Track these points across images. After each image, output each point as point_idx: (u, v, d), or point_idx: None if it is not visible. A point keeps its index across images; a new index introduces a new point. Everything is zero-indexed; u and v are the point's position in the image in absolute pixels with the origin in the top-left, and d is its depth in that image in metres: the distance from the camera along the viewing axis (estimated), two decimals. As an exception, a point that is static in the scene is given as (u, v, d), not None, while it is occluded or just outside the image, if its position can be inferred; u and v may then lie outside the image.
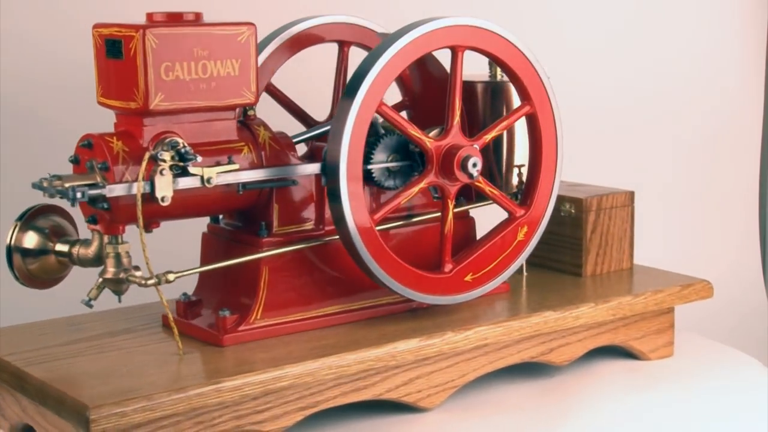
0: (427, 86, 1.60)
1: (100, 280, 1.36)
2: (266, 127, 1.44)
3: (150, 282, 1.33)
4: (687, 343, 1.72)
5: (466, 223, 1.58)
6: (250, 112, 1.44)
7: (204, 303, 1.48)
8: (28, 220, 1.38)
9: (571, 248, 1.70)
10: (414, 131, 1.43)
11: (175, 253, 1.55)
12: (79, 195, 1.28)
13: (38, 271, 1.39)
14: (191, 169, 1.34)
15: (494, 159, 1.61)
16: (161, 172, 1.32)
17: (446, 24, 1.43)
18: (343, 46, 1.64)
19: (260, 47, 1.55)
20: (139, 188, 1.31)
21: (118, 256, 1.35)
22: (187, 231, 1.54)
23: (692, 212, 2.14)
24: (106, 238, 1.35)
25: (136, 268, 1.37)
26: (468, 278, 1.49)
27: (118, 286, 1.35)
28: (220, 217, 1.50)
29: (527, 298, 1.58)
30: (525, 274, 1.69)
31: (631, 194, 1.73)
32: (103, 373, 1.31)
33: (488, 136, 1.50)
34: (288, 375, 1.33)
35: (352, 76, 1.39)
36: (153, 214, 1.35)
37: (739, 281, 2.10)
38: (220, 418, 1.32)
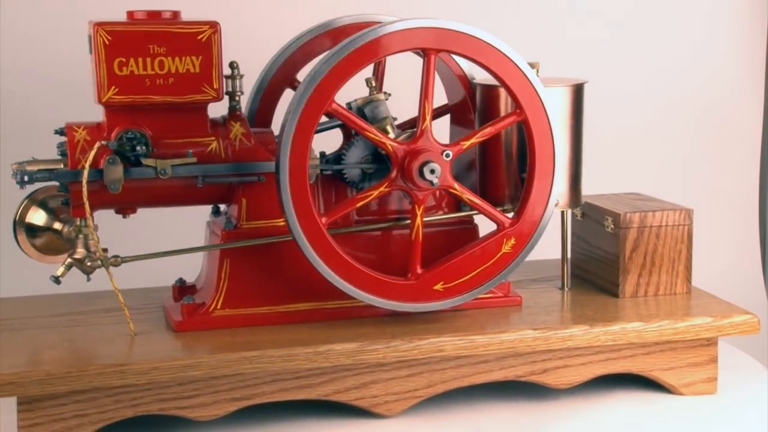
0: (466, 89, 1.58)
1: (68, 259, 1.45)
2: (244, 122, 1.47)
3: (91, 264, 1.41)
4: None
5: (467, 231, 1.53)
6: (238, 108, 1.48)
7: (195, 289, 1.54)
8: (37, 198, 1.51)
9: (610, 266, 1.60)
10: (373, 133, 1.41)
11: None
12: (26, 178, 1.39)
13: (44, 246, 1.51)
14: (145, 161, 1.41)
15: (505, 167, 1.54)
16: (110, 161, 1.39)
17: (412, 26, 1.40)
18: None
19: (299, 42, 1.59)
20: (85, 175, 1.39)
21: (84, 238, 1.44)
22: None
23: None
24: (78, 221, 1.45)
25: (105, 250, 1.45)
26: (438, 287, 1.45)
27: (81, 265, 1.45)
28: (221, 207, 1.56)
29: (527, 314, 1.51)
30: (566, 289, 1.61)
31: (688, 212, 1.59)
32: (47, 345, 1.41)
33: (466, 143, 1.44)
34: (202, 364, 1.36)
35: (306, 75, 1.40)
36: (108, 200, 1.42)
37: (739, 281, 2.05)
38: (142, 399, 1.37)
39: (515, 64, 1.42)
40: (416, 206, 1.43)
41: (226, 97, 1.47)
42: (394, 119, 1.55)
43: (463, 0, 2.03)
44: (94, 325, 1.49)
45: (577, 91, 1.56)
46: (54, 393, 1.33)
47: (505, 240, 1.46)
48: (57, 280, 1.45)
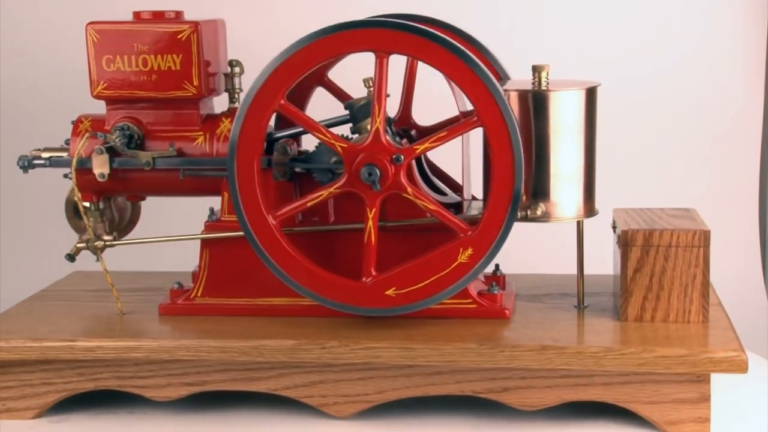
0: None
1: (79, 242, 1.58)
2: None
3: (79, 245, 1.53)
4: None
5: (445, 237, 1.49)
6: (234, 104, 1.54)
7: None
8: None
9: (618, 286, 1.49)
10: (322, 133, 1.42)
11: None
12: (26, 164, 1.53)
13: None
14: (130, 152, 1.51)
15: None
16: (97, 152, 1.50)
17: (362, 27, 1.39)
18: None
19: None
20: (73, 163, 1.51)
21: (91, 222, 1.57)
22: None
23: None
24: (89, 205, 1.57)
25: (111, 234, 1.57)
26: (390, 292, 1.42)
27: (85, 247, 1.56)
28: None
29: (496, 328, 1.44)
30: (582, 307, 1.52)
31: (704, 234, 1.44)
32: (39, 317, 1.55)
33: (420, 148, 1.41)
34: (143, 347, 1.44)
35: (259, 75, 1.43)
36: (100, 188, 1.53)
37: (739, 281, 2.01)
38: (102, 374, 1.48)
39: (469, 67, 1.37)
40: (368, 209, 1.41)
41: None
42: (393, 120, 1.53)
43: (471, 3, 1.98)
44: (108, 302, 1.58)
45: (590, 95, 1.47)
46: (21, 360, 1.46)
47: (461, 249, 1.40)
48: (71, 258, 1.57)
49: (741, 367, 1.34)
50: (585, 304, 1.52)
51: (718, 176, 2.15)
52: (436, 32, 1.37)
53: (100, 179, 1.51)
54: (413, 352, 1.39)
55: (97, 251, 1.54)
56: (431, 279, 1.41)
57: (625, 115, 2.12)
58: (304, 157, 1.49)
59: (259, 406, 1.49)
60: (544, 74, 1.46)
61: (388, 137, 1.42)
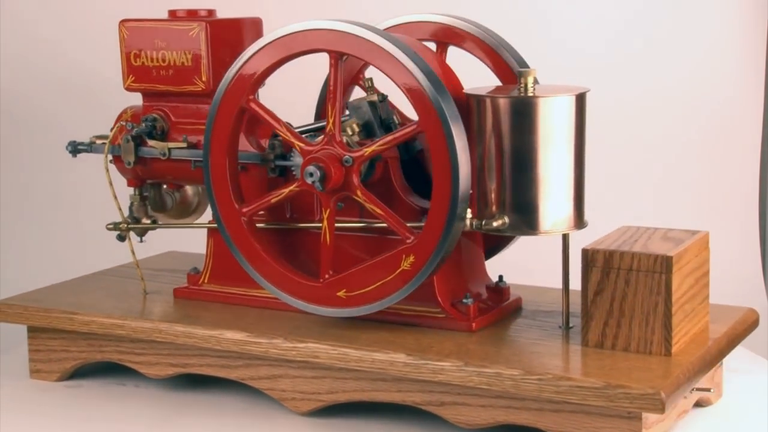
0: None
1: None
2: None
3: (109, 227, 1.65)
4: None
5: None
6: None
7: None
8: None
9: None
10: (283, 132, 1.45)
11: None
12: (70, 148, 1.68)
13: (175, 211, 1.74)
14: (150, 142, 1.61)
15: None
16: (125, 140, 1.62)
17: (313, 27, 1.40)
18: (439, 46, 1.60)
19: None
20: (105, 150, 1.64)
21: (130, 205, 1.69)
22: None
23: (692, 212, 2.12)
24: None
25: (152, 219, 1.68)
26: (341, 294, 1.43)
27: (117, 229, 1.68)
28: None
29: (444, 342, 1.41)
30: (565, 328, 1.46)
31: (666, 260, 1.33)
32: (71, 289, 1.69)
33: (368, 150, 1.41)
34: (126, 326, 1.54)
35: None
36: (136, 174, 1.64)
37: (739, 281, 2.01)
38: (106, 348, 1.60)
39: (409, 71, 1.34)
40: (323, 209, 1.43)
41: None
42: (389, 120, 1.53)
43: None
44: (129, 279, 1.70)
45: (580, 101, 1.40)
46: (44, 327, 1.61)
47: (404, 256, 1.38)
48: (121, 238, 1.69)
49: (657, 407, 1.23)
50: (571, 325, 1.44)
51: (718, 176, 2.16)
52: (382, 35, 1.35)
53: (126, 166, 1.61)
54: (347, 356, 1.39)
55: (126, 234, 1.64)
56: (377, 284, 1.40)
57: (625, 115, 2.13)
58: (287, 154, 1.51)
59: (238, 392, 1.53)
60: (530, 80, 1.40)
61: (349, 138, 1.42)
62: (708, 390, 1.39)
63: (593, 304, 1.36)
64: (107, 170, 1.62)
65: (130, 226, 1.63)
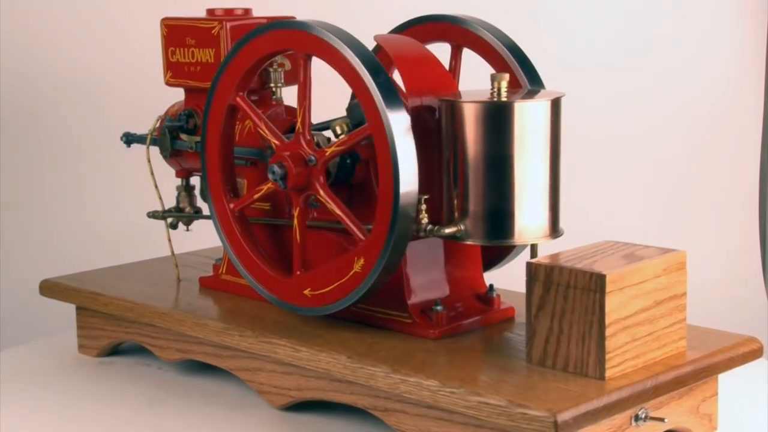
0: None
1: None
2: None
3: (149, 215, 1.74)
4: None
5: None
6: (273, 99, 1.65)
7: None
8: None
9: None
10: (262, 129, 1.48)
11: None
12: (124, 139, 1.78)
13: None
14: (182, 136, 1.69)
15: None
16: (163, 133, 1.71)
17: (281, 27, 1.43)
18: (453, 48, 1.59)
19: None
20: (147, 142, 1.73)
21: (177, 195, 1.77)
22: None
23: (692, 212, 2.14)
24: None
25: (197, 210, 1.75)
26: (307, 292, 1.45)
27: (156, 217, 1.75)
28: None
29: (394, 348, 1.40)
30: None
31: (599, 278, 1.26)
32: (117, 272, 1.79)
33: (328, 151, 1.42)
34: (136, 309, 1.62)
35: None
36: (179, 165, 1.72)
37: (739, 281, 2.05)
38: (130, 329, 1.68)
39: (359, 73, 1.35)
40: (293, 207, 1.45)
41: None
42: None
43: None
44: (198, 268, 1.77)
45: (555, 107, 1.36)
46: (85, 306, 1.72)
47: (355, 258, 1.39)
48: (173, 226, 1.78)
49: (549, 429, 1.17)
50: (538, 340, 1.39)
51: (718, 176, 2.15)
52: (338, 35, 1.36)
53: (162, 157, 1.69)
54: (299, 353, 1.41)
55: (166, 222, 1.72)
56: (335, 285, 1.41)
57: (625, 115, 2.14)
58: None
59: (237, 381, 1.58)
60: (503, 84, 1.37)
61: (320, 138, 1.43)
62: (661, 420, 1.30)
63: (536, 320, 1.31)
64: (149, 161, 1.70)
65: (165, 214, 1.70)
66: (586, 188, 2.14)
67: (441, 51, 1.54)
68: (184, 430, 1.43)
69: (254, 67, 1.46)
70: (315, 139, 1.44)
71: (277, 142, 1.44)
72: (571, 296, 1.27)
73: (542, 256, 1.33)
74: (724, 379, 1.38)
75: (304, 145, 1.41)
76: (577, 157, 2.08)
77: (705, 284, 1.54)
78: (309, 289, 1.43)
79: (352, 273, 1.38)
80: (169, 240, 1.72)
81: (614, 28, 2.22)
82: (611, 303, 1.25)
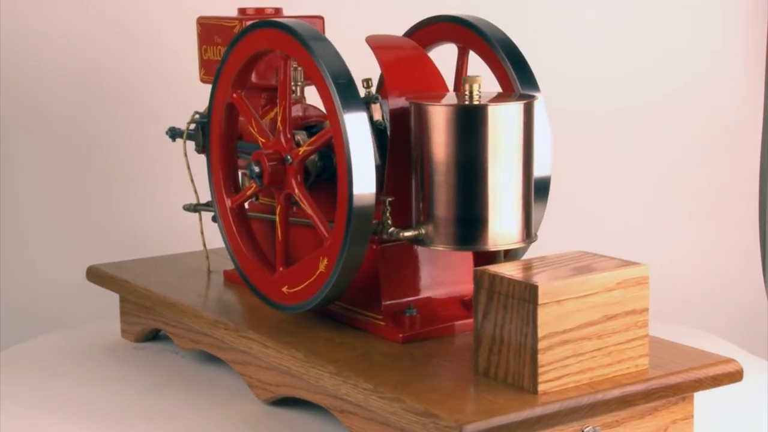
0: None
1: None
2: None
3: (184, 207, 1.80)
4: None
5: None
6: (295, 97, 1.68)
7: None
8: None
9: (482, 331, 1.34)
10: (253, 128, 1.51)
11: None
12: (169, 134, 1.84)
13: None
14: (211, 131, 1.74)
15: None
16: (197, 128, 1.76)
17: (262, 27, 1.45)
18: (460, 50, 1.58)
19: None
20: (184, 136, 1.79)
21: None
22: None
23: (692, 212, 2.15)
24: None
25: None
26: (284, 290, 1.47)
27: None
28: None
29: (356, 350, 1.40)
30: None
31: (532, 288, 1.23)
32: (156, 263, 1.85)
33: (301, 150, 1.43)
34: (151, 296, 1.68)
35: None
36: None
37: (739, 281, 2.05)
38: (156, 318, 1.74)
39: (322, 75, 1.36)
40: (276, 204, 1.48)
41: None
42: (380, 123, 1.53)
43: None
44: (226, 260, 1.81)
45: (528, 109, 1.34)
46: (124, 296, 1.79)
47: (320, 258, 1.40)
48: (214, 219, 1.83)
49: (458, 444, 1.16)
50: (503, 349, 1.37)
51: (718, 176, 2.16)
52: (311, 38, 1.36)
53: (196, 152, 1.74)
54: (267, 350, 1.43)
55: (200, 215, 1.77)
56: (305, 284, 1.42)
57: (625, 115, 2.15)
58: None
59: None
60: (476, 87, 1.35)
61: (299, 136, 1.45)
62: (595, 436, 1.26)
63: (481, 329, 1.28)
64: (185, 154, 1.75)
65: (198, 207, 1.75)
66: (586, 188, 2.15)
67: (452, 52, 1.54)
68: (169, 415, 1.46)
69: (246, 65, 1.48)
70: (296, 138, 1.45)
71: (263, 140, 1.46)
72: (510, 306, 1.24)
73: (495, 265, 1.30)
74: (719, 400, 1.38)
75: (284, 144, 1.43)
76: (576, 157, 2.14)
77: (705, 284, 1.52)
78: (287, 286, 1.45)
79: (318, 273, 1.39)
80: (202, 232, 1.76)
81: (614, 31, 2.23)
82: (545, 315, 1.21)
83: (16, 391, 1.57)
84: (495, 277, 1.25)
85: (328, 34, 1.51)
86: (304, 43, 1.36)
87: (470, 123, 1.32)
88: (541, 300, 1.21)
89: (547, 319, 1.21)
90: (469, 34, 1.52)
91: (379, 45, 1.45)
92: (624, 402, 1.25)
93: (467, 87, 1.34)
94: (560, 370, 1.23)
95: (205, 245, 1.77)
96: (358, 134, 1.31)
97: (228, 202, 1.54)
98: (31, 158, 2.17)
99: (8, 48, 2.13)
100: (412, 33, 1.61)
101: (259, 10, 1.66)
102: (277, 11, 1.65)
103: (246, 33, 1.46)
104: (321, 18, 1.66)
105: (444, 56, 1.59)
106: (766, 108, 2.16)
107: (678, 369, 1.30)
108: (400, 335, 1.39)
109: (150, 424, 1.45)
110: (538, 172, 1.45)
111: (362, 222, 1.32)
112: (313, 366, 1.34)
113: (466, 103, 1.33)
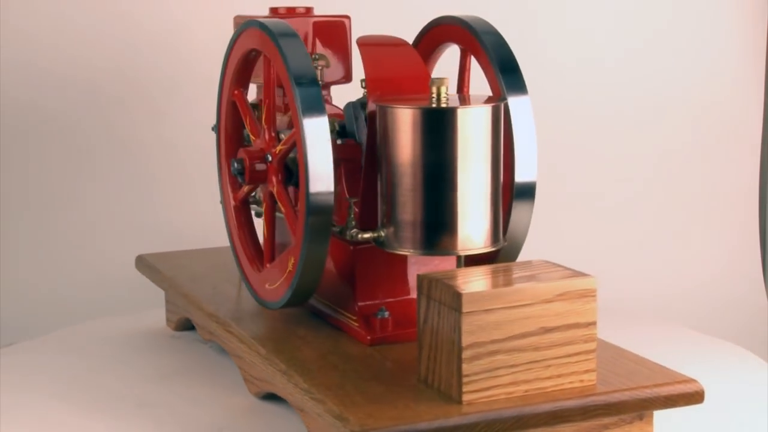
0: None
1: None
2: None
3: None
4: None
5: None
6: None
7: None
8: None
9: (429, 337, 1.33)
10: (247, 125, 1.54)
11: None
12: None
13: None
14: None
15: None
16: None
17: (249, 26, 1.48)
18: (462, 52, 1.57)
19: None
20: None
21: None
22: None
23: (692, 212, 2.17)
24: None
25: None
26: (267, 286, 1.50)
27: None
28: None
29: (317, 352, 1.41)
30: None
31: (457, 296, 1.22)
32: (198, 256, 1.90)
33: (275, 149, 1.45)
34: (169, 282, 1.74)
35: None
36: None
37: (739, 281, 2.06)
38: (186, 309, 1.80)
39: (288, 78, 1.38)
40: (263, 202, 1.51)
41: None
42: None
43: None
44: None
45: (495, 113, 1.33)
46: (157, 284, 1.85)
47: (289, 258, 1.42)
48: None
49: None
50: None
51: (718, 176, 2.17)
52: (284, 38, 1.38)
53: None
54: (244, 345, 1.46)
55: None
56: (280, 281, 1.44)
57: (625, 115, 2.15)
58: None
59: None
60: (443, 89, 1.35)
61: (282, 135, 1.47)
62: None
63: (422, 334, 1.27)
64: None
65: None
66: (585, 188, 2.15)
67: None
68: (161, 404, 1.50)
69: (243, 64, 1.51)
70: (280, 137, 1.47)
71: (253, 138, 1.49)
72: (442, 313, 1.22)
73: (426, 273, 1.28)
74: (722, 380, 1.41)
75: (267, 143, 1.45)
76: (575, 157, 2.17)
77: (705, 284, 1.48)
78: (269, 283, 1.47)
79: (288, 272, 1.40)
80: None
81: (613, 27, 2.22)
82: (470, 324, 1.19)
83: (30, 374, 1.65)
84: (431, 283, 1.24)
85: (356, 34, 1.53)
86: (275, 42, 1.37)
87: (433, 126, 1.31)
88: (466, 308, 1.19)
89: (471, 327, 1.19)
90: (467, 35, 1.49)
91: (366, 45, 1.45)
92: (557, 417, 1.21)
93: (434, 89, 1.33)
94: (489, 381, 1.21)
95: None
96: (315, 134, 1.32)
97: (231, 199, 1.57)
98: (93, 156, 2.22)
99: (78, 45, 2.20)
100: (424, 33, 1.60)
101: (291, 10, 1.67)
102: (308, 10, 1.66)
103: (240, 32, 1.48)
104: (347, 18, 1.66)
105: (452, 58, 1.58)
106: (766, 108, 2.16)
107: (627, 386, 1.25)
108: (368, 337, 1.39)
109: (139, 411, 1.49)
110: (523, 176, 1.41)
111: (320, 222, 1.33)
112: (270, 363, 1.35)
113: (433, 105, 1.32)
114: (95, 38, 2.16)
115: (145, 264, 1.85)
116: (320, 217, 1.33)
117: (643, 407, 1.24)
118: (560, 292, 1.22)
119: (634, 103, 2.22)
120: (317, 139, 1.32)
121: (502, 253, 1.43)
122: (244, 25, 1.46)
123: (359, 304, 1.42)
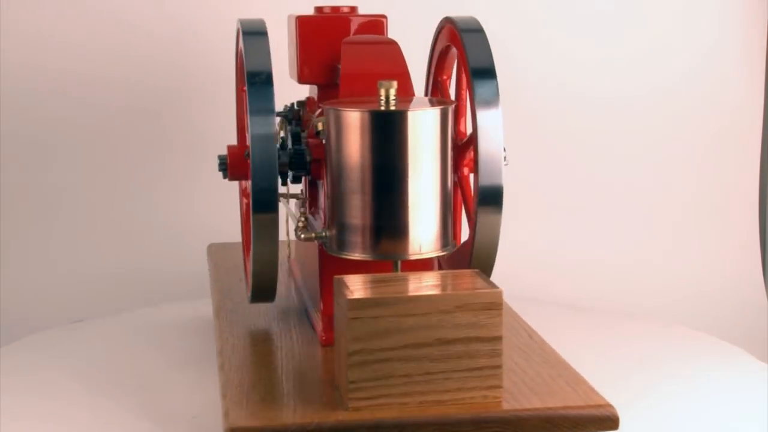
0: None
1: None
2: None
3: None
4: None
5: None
6: None
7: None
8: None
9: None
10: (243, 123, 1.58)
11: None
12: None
13: None
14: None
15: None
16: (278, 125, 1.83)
17: (239, 26, 1.52)
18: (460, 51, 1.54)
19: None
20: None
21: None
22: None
23: (692, 212, 2.17)
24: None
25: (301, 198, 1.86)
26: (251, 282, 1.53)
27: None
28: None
29: (288, 351, 1.43)
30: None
31: (345, 302, 1.21)
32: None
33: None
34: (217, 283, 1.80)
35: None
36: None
37: (739, 281, 2.08)
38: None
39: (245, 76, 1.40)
40: (242, 198, 1.54)
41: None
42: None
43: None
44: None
45: (443, 116, 1.33)
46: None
47: (248, 255, 1.45)
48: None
49: (222, 440, 1.18)
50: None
51: (718, 176, 2.16)
52: (252, 36, 1.41)
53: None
54: (221, 338, 1.50)
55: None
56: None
57: (625, 115, 2.15)
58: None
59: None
60: (392, 92, 1.35)
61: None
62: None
63: (336, 340, 1.27)
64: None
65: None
66: (585, 188, 2.12)
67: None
68: (156, 390, 1.54)
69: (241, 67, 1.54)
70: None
71: (248, 136, 1.52)
72: (339, 317, 1.22)
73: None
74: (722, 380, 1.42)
75: (249, 140, 1.47)
76: (574, 157, 2.16)
77: (705, 285, 1.42)
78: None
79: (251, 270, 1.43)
80: (287, 221, 1.83)
81: (615, 29, 2.19)
82: (355, 330, 1.18)
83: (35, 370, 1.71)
84: (336, 286, 1.23)
85: (392, 34, 1.54)
86: (244, 39, 1.39)
87: (379, 128, 1.29)
88: (351, 314, 1.18)
89: (358, 334, 1.18)
90: (455, 36, 1.47)
91: (348, 46, 1.45)
92: (444, 430, 1.18)
93: (382, 92, 1.32)
94: (378, 390, 1.19)
95: (287, 233, 1.83)
96: (261, 131, 1.33)
97: (242, 198, 1.60)
98: (95, 156, 2.24)
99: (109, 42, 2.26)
100: (437, 35, 1.58)
101: (335, 9, 1.68)
102: (353, 9, 1.66)
103: (238, 32, 1.51)
104: (384, 17, 1.65)
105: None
106: (766, 107, 2.17)
107: (533, 406, 1.20)
108: (323, 338, 1.40)
109: (129, 395, 1.54)
110: (488, 180, 1.37)
111: (264, 220, 1.34)
112: (223, 359, 1.38)
113: (381, 108, 1.31)
114: (95, 38, 2.20)
115: (211, 252, 1.90)
116: (264, 215, 1.34)
117: (545, 429, 1.19)
118: (459, 304, 1.19)
119: (633, 104, 2.21)
120: (262, 134, 1.33)
121: (475, 258, 1.39)
122: (241, 24, 1.49)
123: (322, 305, 1.42)
